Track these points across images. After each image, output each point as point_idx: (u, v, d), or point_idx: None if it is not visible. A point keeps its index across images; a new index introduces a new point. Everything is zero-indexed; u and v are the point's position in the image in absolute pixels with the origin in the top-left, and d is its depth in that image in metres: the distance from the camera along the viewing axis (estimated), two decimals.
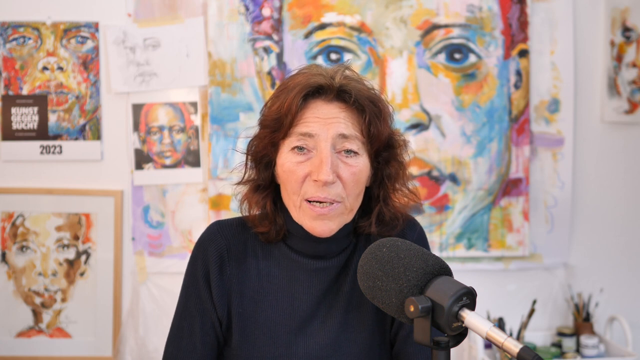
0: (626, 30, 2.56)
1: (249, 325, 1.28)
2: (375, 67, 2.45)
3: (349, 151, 1.22)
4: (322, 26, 2.43)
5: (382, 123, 1.24)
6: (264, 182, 1.30)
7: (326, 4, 2.43)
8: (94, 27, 2.42)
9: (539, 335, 2.52)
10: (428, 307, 0.95)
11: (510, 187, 2.49)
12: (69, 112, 2.43)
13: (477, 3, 2.45)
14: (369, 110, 1.23)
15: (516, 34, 2.47)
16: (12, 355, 2.42)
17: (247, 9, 2.42)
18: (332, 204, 1.22)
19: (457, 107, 2.46)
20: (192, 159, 2.44)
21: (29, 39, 2.41)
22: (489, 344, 2.39)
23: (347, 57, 2.43)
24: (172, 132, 2.44)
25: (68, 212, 2.44)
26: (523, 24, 2.47)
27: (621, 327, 2.44)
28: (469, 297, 0.96)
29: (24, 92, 2.42)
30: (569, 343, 2.43)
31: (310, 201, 1.22)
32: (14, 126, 2.42)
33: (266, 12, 2.42)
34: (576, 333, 2.46)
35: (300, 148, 1.22)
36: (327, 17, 2.43)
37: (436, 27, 2.45)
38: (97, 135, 2.44)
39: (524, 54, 2.47)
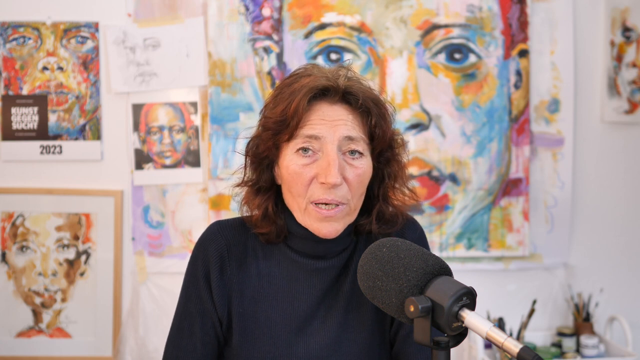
0: (626, 30, 2.56)
1: (249, 325, 1.28)
2: (375, 67, 2.45)
3: (353, 152, 1.23)
4: (322, 26, 2.43)
5: (386, 125, 1.26)
6: (266, 184, 1.29)
7: (326, 4, 2.43)
8: (94, 27, 2.42)
9: (539, 335, 2.52)
10: (428, 307, 0.95)
11: (510, 187, 2.49)
12: (69, 112, 2.43)
13: (477, 3, 2.45)
14: (374, 113, 1.24)
15: (516, 34, 2.47)
16: (12, 355, 2.42)
17: (247, 9, 2.42)
18: (338, 205, 1.22)
19: (457, 107, 2.46)
20: (192, 159, 2.44)
21: (29, 39, 2.41)
22: (489, 344, 2.39)
23: (347, 57, 2.43)
24: (172, 132, 2.44)
25: (68, 212, 2.44)
26: (523, 24, 2.47)
27: (621, 327, 2.44)
28: (469, 297, 0.96)
29: (24, 92, 2.42)
30: (569, 343, 2.43)
31: (316, 203, 1.22)
32: (14, 126, 2.42)
33: (266, 12, 2.42)
34: (576, 333, 2.46)
35: (305, 150, 1.22)
36: (327, 17, 2.43)
37: (436, 27, 2.45)
38: (97, 135, 2.44)
39: (524, 54, 2.47)
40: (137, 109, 2.43)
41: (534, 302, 2.43)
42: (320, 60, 2.43)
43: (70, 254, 2.44)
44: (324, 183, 1.20)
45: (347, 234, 1.29)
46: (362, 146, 1.23)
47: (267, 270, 1.30)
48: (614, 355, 2.36)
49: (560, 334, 2.47)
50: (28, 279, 2.43)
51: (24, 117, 2.42)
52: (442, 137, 2.47)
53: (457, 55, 2.46)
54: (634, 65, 2.58)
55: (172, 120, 2.43)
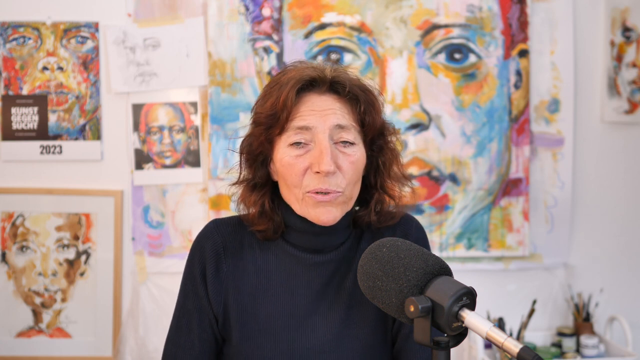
0: (626, 30, 2.56)
1: (249, 321, 1.28)
2: (375, 67, 2.45)
3: (345, 142, 1.24)
4: (322, 26, 2.43)
5: (375, 111, 1.26)
6: (261, 180, 1.30)
7: (326, 4, 2.43)
8: (94, 27, 2.42)
9: (539, 335, 2.52)
10: (428, 307, 0.95)
11: (510, 187, 2.49)
12: (69, 112, 2.43)
13: (477, 3, 2.45)
14: (362, 100, 1.25)
15: (516, 34, 2.47)
16: (12, 355, 2.42)
17: (247, 9, 2.42)
18: (334, 194, 1.22)
19: (457, 107, 2.46)
20: (192, 159, 2.44)
21: (29, 39, 2.41)
22: (489, 344, 2.39)
23: (347, 57, 2.44)
24: (172, 132, 2.44)
25: (68, 212, 2.44)
26: (523, 24, 2.47)
27: (621, 327, 2.44)
28: (469, 297, 0.96)
29: (24, 92, 2.42)
30: (569, 343, 2.43)
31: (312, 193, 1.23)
32: (14, 126, 2.42)
33: (266, 12, 2.42)
34: (576, 333, 2.46)
35: (298, 142, 1.23)
36: (327, 17, 2.43)
37: (436, 27, 2.45)
38: (97, 135, 2.44)
39: (524, 54, 2.47)
40: (137, 109, 2.43)
41: (534, 302, 2.43)
42: (319, 61, 2.42)
43: (70, 254, 2.44)
44: (318, 172, 1.20)
45: (345, 226, 1.30)
46: (353, 134, 1.24)
47: (265, 266, 1.30)
48: (614, 355, 2.36)
49: (560, 334, 2.47)
50: (28, 279, 2.43)
51: (24, 117, 2.42)
52: (442, 137, 2.47)
53: (457, 55, 2.46)
54: (634, 65, 2.58)
55: (172, 120, 2.43)
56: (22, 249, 2.43)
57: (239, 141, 1.35)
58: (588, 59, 2.55)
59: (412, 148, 2.45)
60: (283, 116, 1.22)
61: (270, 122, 1.24)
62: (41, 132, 2.42)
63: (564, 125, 2.52)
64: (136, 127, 2.43)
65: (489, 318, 2.47)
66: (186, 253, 2.41)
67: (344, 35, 2.44)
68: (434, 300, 0.95)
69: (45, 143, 2.43)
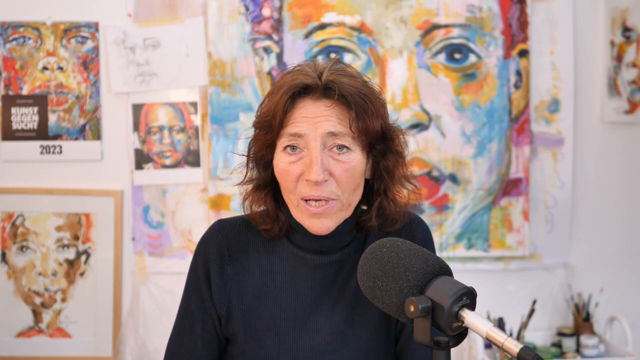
0: (626, 30, 2.56)
1: (253, 322, 1.28)
2: (375, 67, 2.45)
3: (340, 147, 1.22)
4: (322, 26, 2.43)
5: (370, 117, 1.22)
6: (264, 181, 1.31)
7: (326, 4, 2.43)
8: (94, 27, 2.42)
9: (539, 335, 2.52)
10: (428, 307, 0.95)
11: (510, 187, 2.49)
12: (69, 112, 2.43)
13: (477, 3, 2.45)
14: (355, 105, 1.21)
15: (516, 34, 2.47)
16: (12, 355, 2.42)
17: (247, 9, 2.42)
18: (328, 202, 1.22)
19: (457, 107, 2.46)
20: (192, 159, 2.44)
21: (29, 39, 2.41)
22: (489, 344, 2.39)
23: (347, 57, 2.44)
24: (172, 132, 2.44)
25: (68, 212, 2.44)
26: (523, 24, 2.47)
27: (621, 327, 2.44)
28: (469, 297, 0.96)
29: (24, 92, 2.42)
30: (569, 343, 2.43)
31: (306, 200, 1.22)
32: (14, 126, 2.42)
33: (266, 12, 2.42)
34: (576, 333, 2.46)
35: (292, 147, 1.22)
36: (327, 17, 2.43)
37: (436, 27, 2.45)
38: (97, 135, 2.44)
39: (524, 54, 2.47)
40: (137, 109, 2.43)
41: (534, 302, 2.43)
42: (320, 61, 2.42)
43: (70, 254, 2.44)
44: (308, 180, 1.20)
45: (348, 230, 1.29)
46: (348, 141, 1.22)
47: (269, 267, 1.31)
48: (614, 355, 2.36)
49: (560, 334, 2.47)
50: (28, 279, 2.43)
51: (24, 117, 2.42)
52: (442, 137, 2.47)
53: (457, 55, 2.46)
54: (634, 65, 2.58)
55: (172, 120, 2.43)
56: (22, 249, 2.43)
57: (240, 142, 1.36)
58: (588, 59, 2.55)
59: (412, 148, 2.45)
60: (275, 123, 1.22)
61: (267, 127, 1.25)
62: (41, 132, 2.42)
63: (564, 125, 2.52)
64: (136, 127, 2.43)
65: (489, 318, 2.47)
66: (186, 253, 2.43)
67: (344, 35, 2.44)
68: (434, 300, 0.95)
69: (45, 143, 2.43)
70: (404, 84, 2.45)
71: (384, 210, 1.30)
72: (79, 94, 2.43)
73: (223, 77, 2.42)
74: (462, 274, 2.41)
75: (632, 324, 2.47)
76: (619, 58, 2.56)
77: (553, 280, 2.57)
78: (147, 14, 2.41)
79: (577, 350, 2.43)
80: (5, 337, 2.43)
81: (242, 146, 1.36)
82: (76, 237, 2.44)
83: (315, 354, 1.26)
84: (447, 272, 1.01)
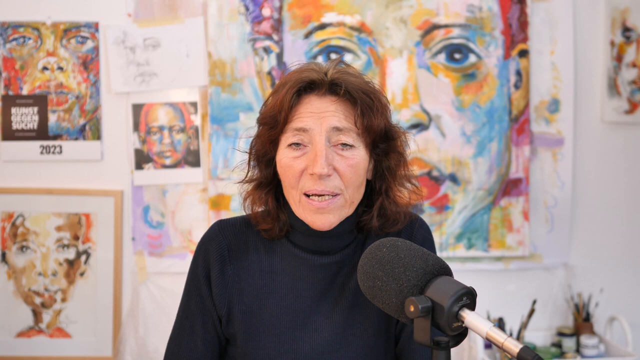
0: (626, 30, 2.56)
1: (253, 322, 1.28)
2: (375, 67, 2.45)
3: (344, 144, 1.23)
4: (322, 26, 2.43)
5: (375, 114, 1.24)
6: (266, 180, 1.31)
7: (326, 4, 2.43)
8: (94, 27, 2.42)
9: (539, 335, 2.52)
10: (428, 307, 0.95)
11: (510, 187, 2.49)
12: (69, 112, 2.43)
13: (477, 3, 2.45)
14: (360, 102, 1.23)
15: (516, 34, 2.47)
16: (12, 355, 2.42)
17: (247, 9, 2.42)
18: (333, 197, 1.22)
19: (457, 107, 2.46)
20: (192, 159, 2.44)
21: (29, 39, 2.41)
22: (489, 344, 2.39)
23: (347, 57, 2.44)
24: (172, 132, 2.44)
25: (68, 212, 2.44)
26: (523, 24, 2.47)
27: (621, 327, 2.44)
28: (469, 297, 0.96)
29: (24, 92, 2.42)
30: (569, 343, 2.43)
31: (308, 195, 1.23)
32: (14, 126, 2.42)
33: (266, 12, 2.42)
34: (576, 333, 2.46)
35: (297, 144, 1.23)
36: (327, 17, 2.43)
37: (436, 27, 2.45)
38: (97, 135, 2.44)
39: (524, 54, 2.47)
40: (137, 109, 2.43)
41: (534, 302, 2.43)
42: (319, 61, 2.43)
43: (70, 254, 2.44)
44: (312, 174, 1.20)
45: (349, 230, 1.29)
46: (352, 137, 1.23)
47: (270, 267, 1.31)
48: (614, 355, 2.36)
49: (560, 334, 2.47)
50: (28, 279, 2.43)
51: (24, 117, 2.42)
52: (442, 137, 2.47)
53: (457, 55, 2.46)
54: (634, 65, 2.58)
55: (172, 120, 2.43)
56: (22, 249, 2.43)
57: (241, 141, 1.36)
58: (588, 59, 2.55)
59: (412, 148, 2.44)
60: (281, 117, 1.23)
61: (272, 123, 1.25)
62: (41, 132, 2.42)
63: (564, 125, 2.52)
64: (136, 127, 2.43)
65: (489, 318, 2.47)
66: (186, 253, 2.43)
67: (344, 35, 2.44)
68: (434, 300, 0.95)
69: (45, 143, 2.43)
70: (404, 84, 2.45)
71: (385, 211, 1.30)
72: (79, 94, 2.43)
73: (223, 77, 2.42)
74: (462, 274, 2.41)
75: (632, 324, 2.47)
76: (619, 58, 2.56)
77: (553, 280, 2.57)
78: (147, 14, 2.41)
79: (577, 350, 2.43)
80: (5, 337, 2.43)
81: (244, 145, 1.36)
82: (76, 237, 2.44)
83: (315, 354, 1.26)
84: (447, 272, 1.01)
